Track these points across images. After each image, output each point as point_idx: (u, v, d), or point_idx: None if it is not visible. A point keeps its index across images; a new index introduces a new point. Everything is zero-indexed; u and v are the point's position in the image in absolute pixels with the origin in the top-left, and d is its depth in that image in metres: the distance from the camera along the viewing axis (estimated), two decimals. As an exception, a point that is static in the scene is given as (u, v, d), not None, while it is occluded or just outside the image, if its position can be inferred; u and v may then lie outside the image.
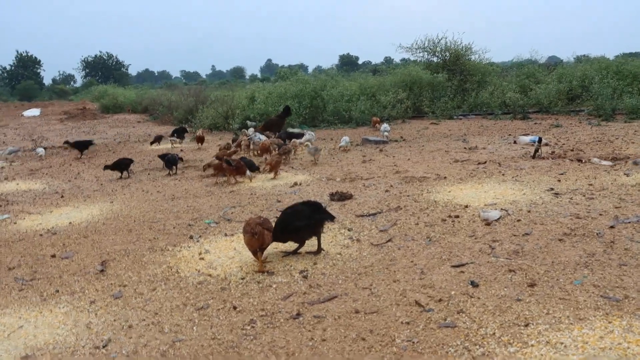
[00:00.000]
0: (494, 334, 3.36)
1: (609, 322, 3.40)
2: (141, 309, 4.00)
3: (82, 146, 13.05)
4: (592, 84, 18.28)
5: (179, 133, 15.02)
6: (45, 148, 15.15)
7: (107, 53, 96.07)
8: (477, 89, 20.95)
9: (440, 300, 3.88)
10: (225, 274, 4.66)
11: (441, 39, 23.02)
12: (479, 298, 3.87)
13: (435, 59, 22.74)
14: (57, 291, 4.44)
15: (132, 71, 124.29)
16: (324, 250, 5.05)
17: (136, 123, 25.76)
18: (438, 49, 23.02)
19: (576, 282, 4.07)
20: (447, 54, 22.65)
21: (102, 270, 4.86)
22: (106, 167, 9.69)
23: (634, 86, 18.80)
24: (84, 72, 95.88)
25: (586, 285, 4.00)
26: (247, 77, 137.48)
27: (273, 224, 4.87)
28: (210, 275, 4.64)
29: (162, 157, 10.09)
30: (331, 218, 5.13)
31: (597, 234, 5.16)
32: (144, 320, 3.81)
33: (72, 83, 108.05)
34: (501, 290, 4.00)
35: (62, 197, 8.24)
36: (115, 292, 4.36)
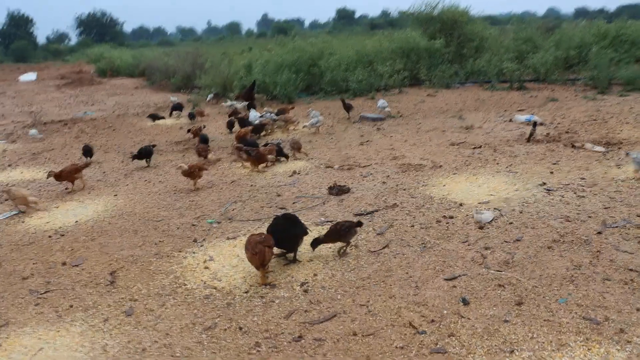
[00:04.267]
0: (481, 360, 3.63)
1: (588, 350, 3.66)
2: (152, 329, 4.26)
3: None
4: (589, 51, 18.23)
5: (178, 108, 15.17)
6: (45, 123, 15.31)
7: (101, 10, 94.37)
8: (474, 55, 20.91)
9: (432, 320, 4.13)
10: (230, 286, 4.90)
11: (438, 3, 22.83)
12: (469, 319, 4.13)
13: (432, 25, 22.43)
14: (71, 306, 4.68)
15: (127, 28, 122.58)
16: (299, 260, 5.33)
17: (134, 89, 25.72)
18: (435, 12, 22.75)
19: (561, 300, 4.33)
20: (445, 17, 22.36)
21: (112, 282, 5.09)
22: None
23: (632, 53, 18.83)
24: (78, 30, 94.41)
25: (570, 304, 4.25)
26: (244, 32, 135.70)
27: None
28: (215, 288, 4.88)
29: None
30: (305, 232, 5.40)
31: (585, 240, 5.40)
32: (156, 342, 4.07)
33: (66, 42, 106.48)
34: (490, 309, 4.25)
35: (67, 189, 8.41)
36: (126, 308, 4.60)
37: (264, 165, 8.89)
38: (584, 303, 4.26)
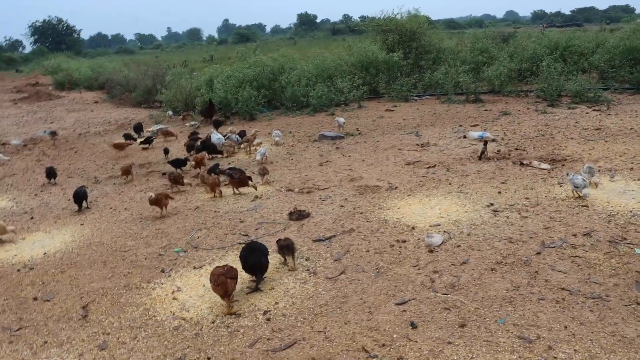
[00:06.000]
0: (426, 382, 4.05)
1: (521, 368, 4.12)
2: (125, 362, 4.56)
3: None
4: (541, 62, 19.02)
5: (139, 129, 15.28)
6: (3, 144, 15.29)
7: (57, 17, 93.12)
8: (432, 66, 21.61)
9: (383, 345, 4.54)
10: (197, 317, 5.22)
11: (397, 14, 23.54)
12: (416, 342, 4.54)
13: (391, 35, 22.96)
14: (46, 342, 4.93)
15: (85, 35, 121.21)
16: (261, 289, 5.67)
17: (93, 104, 25.68)
18: (393, 25, 23.32)
19: (500, 321, 4.78)
20: (404, 29, 22.91)
21: (84, 316, 5.36)
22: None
23: (580, 64, 19.79)
24: (32, 38, 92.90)
25: (507, 324, 4.71)
26: (204, 38, 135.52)
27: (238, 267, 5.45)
28: (184, 319, 5.20)
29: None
30: (263, 261, 5.75)
31: (525, 261, 5.89)
32: (129, 375, 4.37)
33: (20, 49, 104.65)
34: (436, 331, 4.68)
35: (32, 218, 8.59)
36: (100, 342, 4.88)
37: (219, 192, 9.13)
38: (520, 323, 4.73)
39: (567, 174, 8.02)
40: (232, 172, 9.15)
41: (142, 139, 14.16)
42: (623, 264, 5.71)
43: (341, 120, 13.97)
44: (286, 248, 6.10)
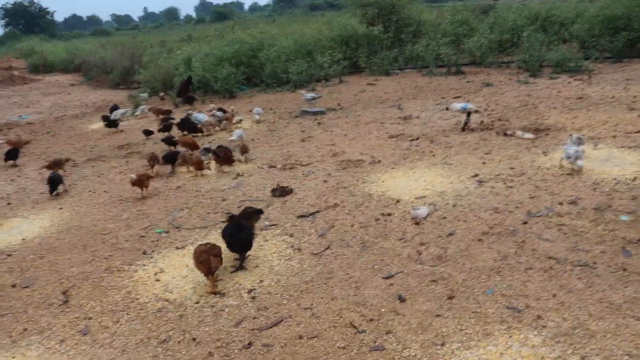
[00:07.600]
0: (415, 355, 3.99)
1: (510, 337, 4.08)
2: (109, 346, 4.44)
3: None
4: (522, 33, 18.89)
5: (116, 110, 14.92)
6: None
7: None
8: (412, 40, 21.41)
9: (371, 319, 4.47)
10: (181, 297, 5.12)
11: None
12: (404, 315, 4.49)
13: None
14: (25, 330, 4.80)
15: (59, 17, 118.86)
16: (245, 267, 5.58)
17: (70, 87, 25.18)
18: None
19: (488, 291, 4.74)
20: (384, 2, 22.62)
21: (65, 301, 5.22)
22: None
23: (561, 34, 19.76)
24: (3, 21, 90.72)
25: (496, 295, 4.67)
26: (182, 17, 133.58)
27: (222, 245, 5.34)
28: (167, 300, 5.09)
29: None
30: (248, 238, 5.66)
31: (511, 231, 5.85)
32: (114, 359, 4.26)
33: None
34: (424, 304, 4.63)
35: (9, 204, 8.38)
36: (81, 327, 4.76)
37: (202, 171, 8.94)
38: (508, 293, 4.69)
39: (564, 144, 7.86)
40: (218, 150, 9.00)
41: (106, 122, 13.48)
42: (609, 231, 5.69)
43: (308, 95, 13.70)
44: (256, 212, 6.21)
